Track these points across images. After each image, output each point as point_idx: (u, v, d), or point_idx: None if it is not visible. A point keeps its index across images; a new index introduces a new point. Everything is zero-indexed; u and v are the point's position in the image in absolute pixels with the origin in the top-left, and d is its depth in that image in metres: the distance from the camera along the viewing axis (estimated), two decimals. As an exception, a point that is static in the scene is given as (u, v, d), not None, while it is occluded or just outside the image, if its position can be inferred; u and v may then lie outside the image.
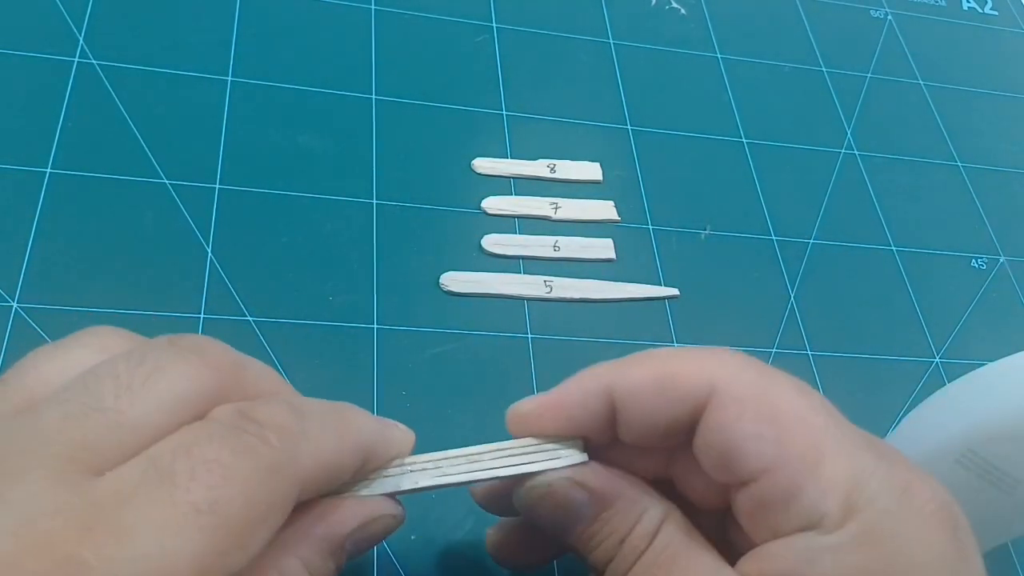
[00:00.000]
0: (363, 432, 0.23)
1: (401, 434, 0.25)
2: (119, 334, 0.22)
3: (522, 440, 0.25)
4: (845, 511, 0.21)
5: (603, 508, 0.24)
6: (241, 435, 0.19)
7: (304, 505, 0.22)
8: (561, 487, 0.24)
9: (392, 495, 0.24)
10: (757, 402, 0.23)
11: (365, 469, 0.23)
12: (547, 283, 0.38)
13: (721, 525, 0.25)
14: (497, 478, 0.24)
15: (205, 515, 0.18)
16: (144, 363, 0.20)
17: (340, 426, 0.22)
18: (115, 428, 0.19)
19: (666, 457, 0.26)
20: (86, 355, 0.21)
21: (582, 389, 0.25)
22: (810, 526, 0.22)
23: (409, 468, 0.24)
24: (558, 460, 0.24)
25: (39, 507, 0.17)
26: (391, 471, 0.24)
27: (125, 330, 0.22)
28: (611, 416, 0.25)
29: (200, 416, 0.20)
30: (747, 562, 0.23)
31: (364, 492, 0.23)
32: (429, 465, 0.24)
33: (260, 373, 0.23)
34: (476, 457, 0.24)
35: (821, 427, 0.23)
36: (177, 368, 0.20)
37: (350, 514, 0.23)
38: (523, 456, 0.25)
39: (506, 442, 0.25)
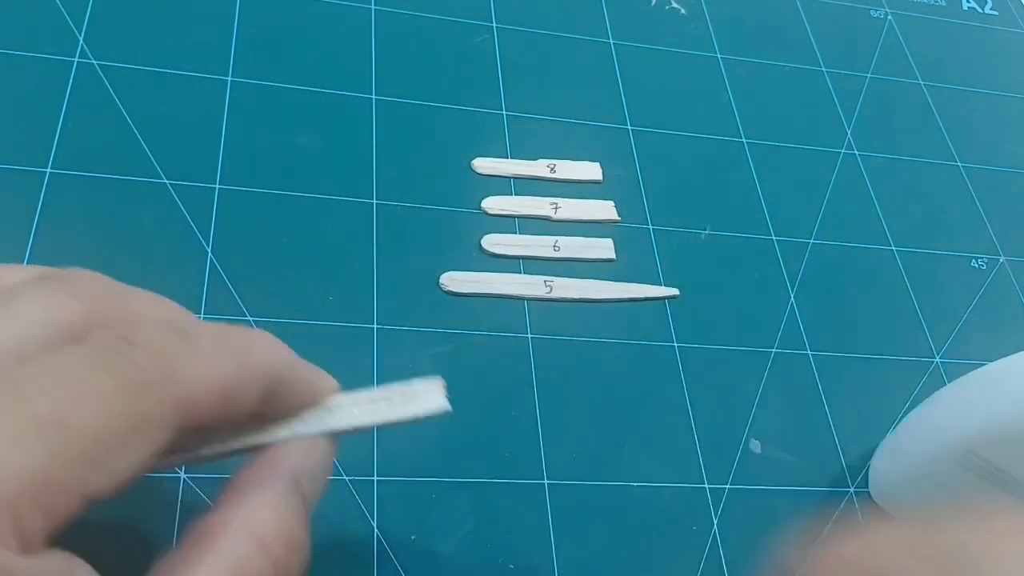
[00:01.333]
0: (269, 357, 0.22)
1: (323, 377, 0.24)
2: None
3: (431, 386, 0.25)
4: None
5: None
6: (108, 355, 0.19)
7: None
8: None
9: (328, 434, 0.24)
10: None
11: (280, 404, 0.23)
12: (547, 283, 0.38)
13: None
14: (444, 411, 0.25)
15: (50, 427, 0.17)
16: (3, 290, 0.20)
17: (237, 348, 0.22)
18: None
19: None
20: None
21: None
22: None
23: (339, 406, 0.24)
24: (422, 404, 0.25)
25: None
26: (320, 412, 0.24)
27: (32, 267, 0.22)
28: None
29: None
30: None
31: (294, 432, 0.23)
32: (364, 400, 0.24)
33: (147, 301, 0.23)
34: (393, 404, 0.25)
35: None
36: (36, 298, 0.20)
37: (293, 447, 0.23)
38: (383, 405, 0.25)
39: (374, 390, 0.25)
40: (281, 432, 0.24)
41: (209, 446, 0.23)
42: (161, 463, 0.23)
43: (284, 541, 0.21)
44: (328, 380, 0.25)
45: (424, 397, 0.25)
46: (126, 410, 0.18)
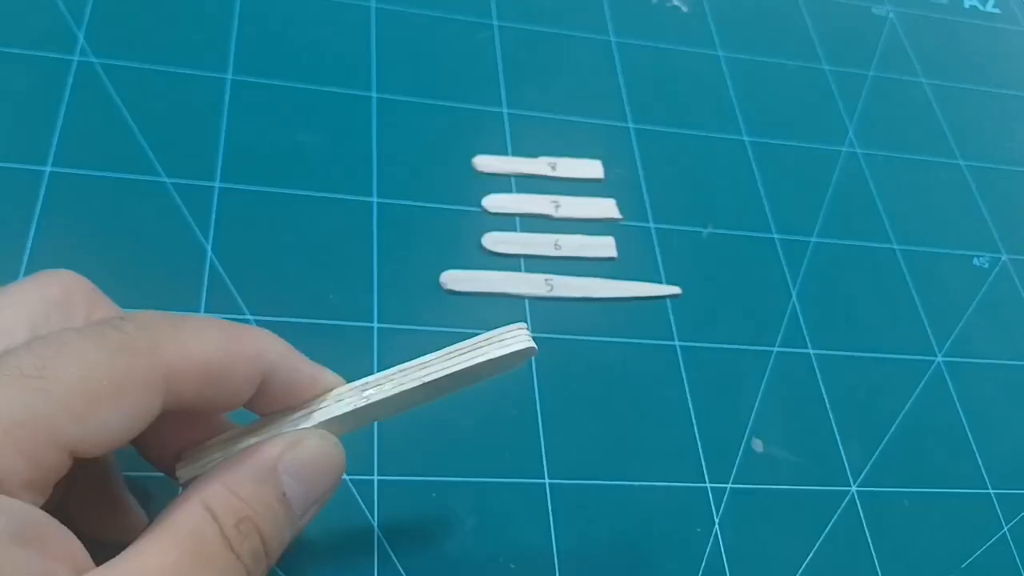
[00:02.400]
0: (261, 347, 0.23)
1: (323, 371, 0.25)
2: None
3: (459, 344, 0.24)
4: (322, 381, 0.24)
5: None
6: (98, 326, 0.20)
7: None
8: None
9: (330, 422, 0.23)
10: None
11: (280, 396, 0.23)
12: (548, 281, 0.38)
13: None
14: (438, 378, 0.24)
15: (31, 379, 0.18)
16: None
17: (226, 334, 0.22)
18: None
19: None
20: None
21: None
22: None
23: (340, 397, 0.24)
24: (510, 347, 0.24)
25: None
26: (310, 407, 0.24)
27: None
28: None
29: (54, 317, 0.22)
30: None
31: (297, 426, 0.23)
32: (352, 394, 0.24)
33: (115, 306, 0.24)
34: (407, 372, 0.24)
35: None
36: (23, 283, 0.22)
37: (275, 441, 0.23)
38: (471, 352, 0.24)
39: (439, 351, 0.25)
40: (278, 428, 0.23)
41: (220, 445, 0.24)
42: (179, 470, 0.23)
43: (235, 517, 0.21)
44: (331, 375, 0.25)
45: (500, 342, 0.24)
46: (108, 370, 0.19)
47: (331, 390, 0.24)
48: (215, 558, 0.20)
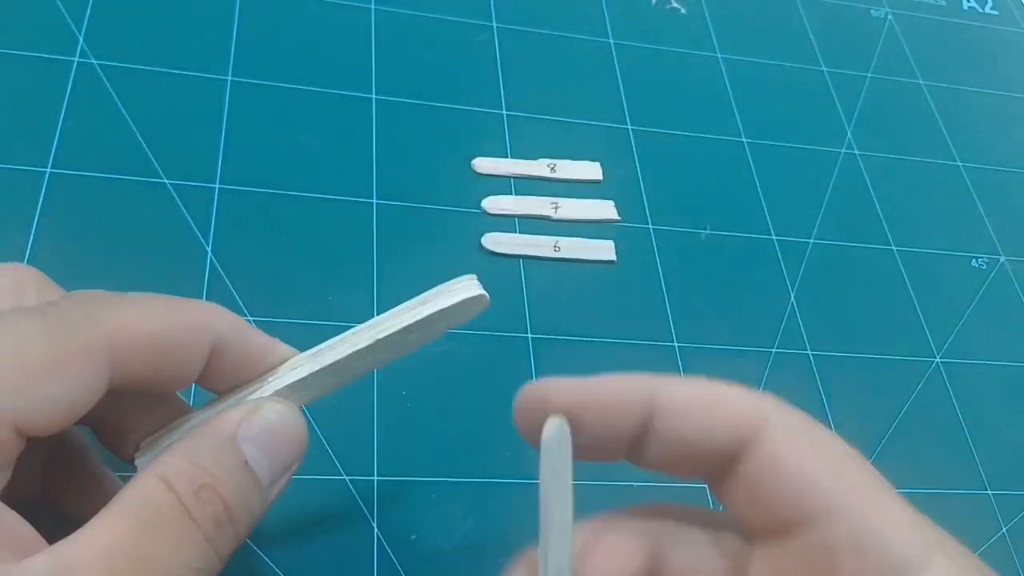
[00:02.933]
0: (211, 316, 0.22)
1: (275, 342, 0.24)
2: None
3: (408, 302, 0.24)
4: (925, 553, 0.19)
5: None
6: (36, 307, 0.20)
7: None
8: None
9: (288, 389, 0.23)
10: (811, 439, 0.21)
11: (234, 368, 0.23)
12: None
13: None
14: (391, 334, 0.23)
15: None
16: None
17: (171, 305, 0.22)
18: None
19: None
20: None
21: (625, 385, 0.22)
22: (890, 570, 0.19)
23: (295, 365, 0.23)
24: (460, 295, 0.24)
25: None
26: (265, 378, 0.23)
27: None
28: (642, 426, 0.22)
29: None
30: None
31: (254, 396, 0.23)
32: (306, 361, 0.24)
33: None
34: (360, 333, 0.24)
35: (869, 470, 0.21)
36: None
37: (233, 410, 0.22)
38: (421, 306, 0.24)
39: (388, 311, 0.24)
40: (235, 402, 0.23)
41: (177, 428, 0.23)
42: (138, 459, 0.23)
43: (193, 485, 0.20)
44: (284, 346, 0.24)
45: (449, 292, 0.24)
46: (46, 342, 0.19)
47: (286, 360, 0.24)
48: (170, 525, 0.20)
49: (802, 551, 0.20)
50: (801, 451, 0.21)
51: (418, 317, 0.24)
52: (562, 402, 0.22)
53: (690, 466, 0.23)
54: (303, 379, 0.23)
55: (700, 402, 0.22)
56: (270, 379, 0.24)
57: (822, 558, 0.20)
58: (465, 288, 0.24)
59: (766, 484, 0.21)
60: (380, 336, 0.23)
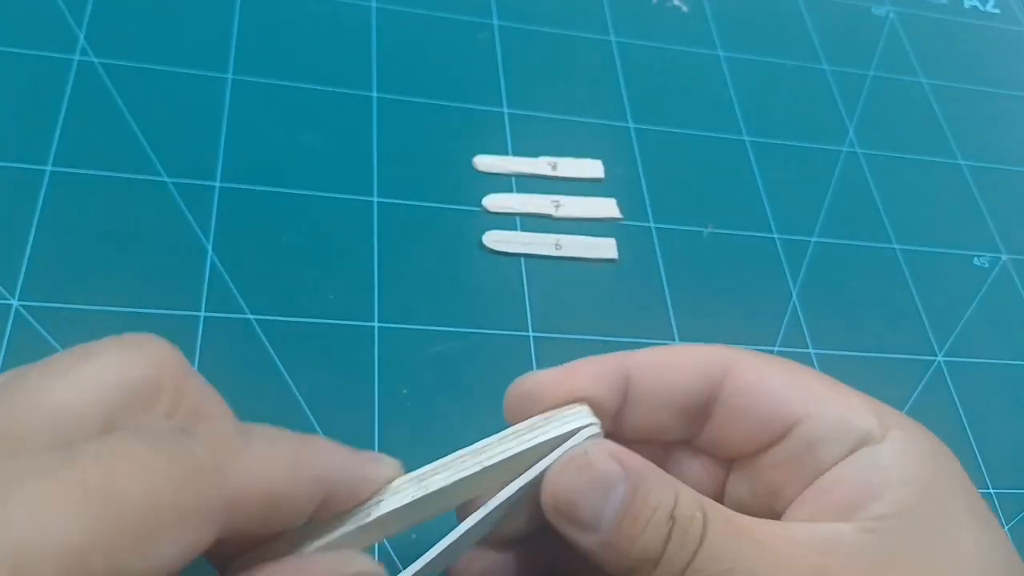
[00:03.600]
0: (325, 466, 0.21)
1: (381, 468, 0.22)
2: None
3: (516, 426, 0.23)
4: (883, 426, 0.23)
5: (638, 483, 0.22)
6: (167, 438, 0.18)
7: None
8: (598, 458, 0.22)
9: (366, 528, 0.22)
10: (770, 365, 0.25)
11: (335, 506, 0.22)
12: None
13: None
14: (486, 467, 0.22)
15: (94, 501, 0.16)
16: (77, 351, 0.19)
17: (292, 455, 0.21)
18: (33, 409, 0.18)
19: (661, 457, 0.25)
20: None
21: (596, 363, 0.24)
22: (861, 444, 0.23)
23: (389, 493, 0.22)
24: (571, 423, 0.22)
25: None
26: (369, 504, 0.22)
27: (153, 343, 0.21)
28: (622, 398, 0.24)
29: (135, 406, 0.19)
30: (802, 506, 0.23)
31: (336, 533, 0.22)
32: (410, 485, 0.22)
33: (203, 387, 0.22)
34: (465, 459, 0.22)
35: (825, 377, 0.25)
36: (109, 355, 0.19)
37: (323, 562, 0.21)
38: (528, 434, 0.22)
39: (495, 435, 0.23)
40: (331, 532, 0.22)
41: (272, 549, 0.22)
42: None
43: None
44: (389, 466, 0.23)
45: (560, 421, 0.22)
46: (174, 497, 0.18)
47: (390, 482, 0.23)
48: None
49: (783, 453, 0.24)
50: (769, 376, 0.24)
51: (527, 445, 0.22)
52: (554, 394, 0.23)
53: (668, 425, 0.25)
54: (404, 507, 0.22)
55: (667, 360, 0.24)
56: (372, 504, 0.22)
57: (804, 452, 0.23)
58: (577, 417, 0.23)
59: (744, 412, 0.24)
60: (487, 463, 0.22)
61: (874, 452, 0.23)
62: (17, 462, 0.17)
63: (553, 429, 0.22)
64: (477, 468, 0.22)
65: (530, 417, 0.23)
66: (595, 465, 0.22)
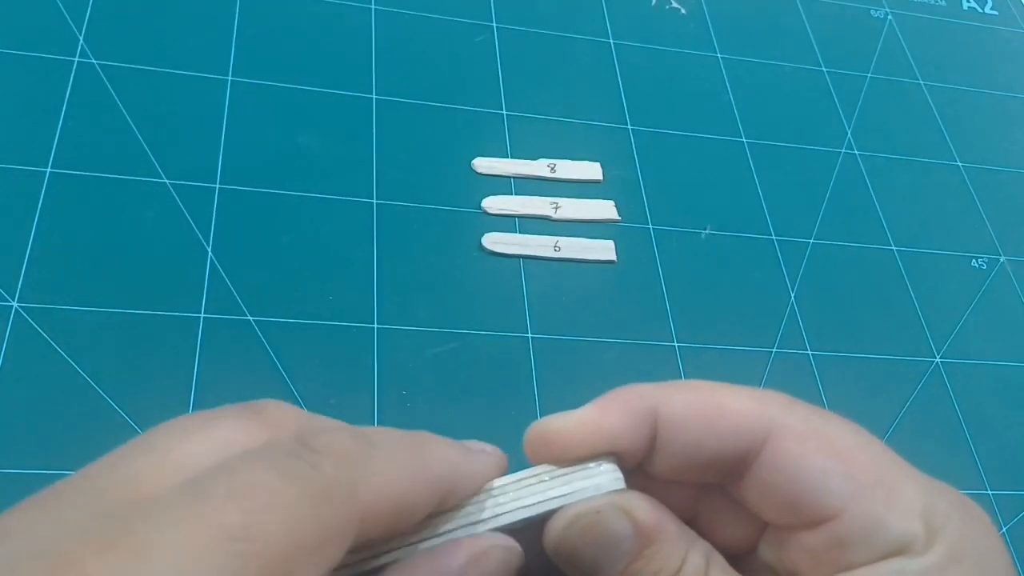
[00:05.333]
0: (443, 465, 0.21)
1: (489, 459, 0.22)
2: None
3: (541, 466, 0.22)
4: (928, 533, 0.21)
5: (646, 543, 0.21)
6: (293, 459, 0.18)
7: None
8: (610, 515, 0.21)
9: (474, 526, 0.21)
10: (819, 438, 0.22)
11: (449, 504, 0.21)
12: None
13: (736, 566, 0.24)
14: (535, 515, 0.21)
15: (239, 540, 0.16)
16: (200, 416, 0.19)
17: (415, 459, 0.20)
18: (159, 463, 0.18)
19: (692, 495, 0.24)
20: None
21: (626, 409, 0.22)
22: (896, 552, 0.21)
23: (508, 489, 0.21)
24: (597, 479, 0.21)
25: (67, 532, 0.16)
26: (486, 500, 0.21)
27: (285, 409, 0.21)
28: (651, 443, 0.22)
29: None
30: None
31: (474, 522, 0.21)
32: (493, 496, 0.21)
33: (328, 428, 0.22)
34: (500, 491, 0.21)
35: (881, 456, 0.22)
36: (233, 421, 0.19)
37: (454, 548, 0.21)
38: (559, 482, 0.22)
39: (525, 471, 0.22)
40: (454, 523, 0.21)
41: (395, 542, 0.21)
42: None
43: None
44: (494, 459, 0.22)
45: (585, 475, 0.21)
46: (311, 523, 0.17)
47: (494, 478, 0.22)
48: None
49: (812, 541, 0.21)
50: (813, 455, 0.21)
51: (555, 505, 0.21)
52: (558, 432, 0.22)
53: (699, 475, 0.23)
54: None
55: (702, 413, 0.22)
56: (486, 500, 0.22)
57: (833, 547, 0.21)
58: (603, 472, 0.22)
59: (778, 489, 0.22)
60: (514, 517, 0.21)
61: (903, 567, 0.20)
62: (150, 505, 0.16)
63: (577, 489, 0.22)
64: (519, 516, 0.22)
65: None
66: (604, 523, 0.21)
